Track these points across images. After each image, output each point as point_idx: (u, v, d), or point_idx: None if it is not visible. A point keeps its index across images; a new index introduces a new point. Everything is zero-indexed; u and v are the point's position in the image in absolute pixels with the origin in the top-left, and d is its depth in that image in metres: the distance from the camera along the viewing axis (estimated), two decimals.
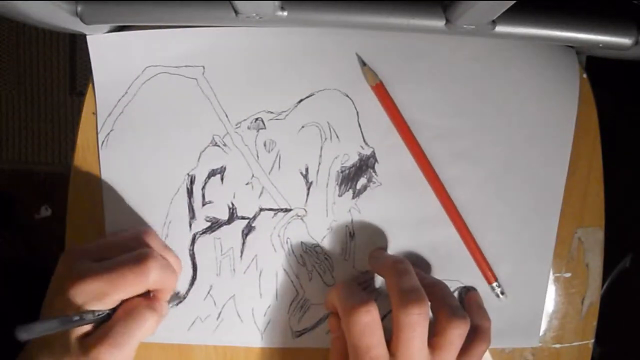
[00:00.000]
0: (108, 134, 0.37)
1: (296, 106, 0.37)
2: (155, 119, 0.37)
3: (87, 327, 0.30)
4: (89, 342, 0.30)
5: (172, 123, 0.37)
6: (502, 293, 0.38)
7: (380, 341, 0.31)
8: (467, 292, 0.38)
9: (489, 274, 0.38)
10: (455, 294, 0.38)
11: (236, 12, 0.31)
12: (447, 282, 0.38)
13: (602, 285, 0.40)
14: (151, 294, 0.34)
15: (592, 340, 0.40)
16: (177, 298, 0.37)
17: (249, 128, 0.37)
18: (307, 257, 0.38)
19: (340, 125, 0.37)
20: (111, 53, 0.37)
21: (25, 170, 1.07)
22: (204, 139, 0.37)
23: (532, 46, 0.38)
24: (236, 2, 0.30)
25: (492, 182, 0.38)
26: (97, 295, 0.30)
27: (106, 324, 0.31)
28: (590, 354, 0.40)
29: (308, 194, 0.37)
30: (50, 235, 1.04)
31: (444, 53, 0.37)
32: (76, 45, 1.05)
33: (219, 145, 0.37)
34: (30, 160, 1.07)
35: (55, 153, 1.07)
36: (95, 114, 0.37)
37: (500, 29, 0.32)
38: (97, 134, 0.37)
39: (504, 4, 0.27)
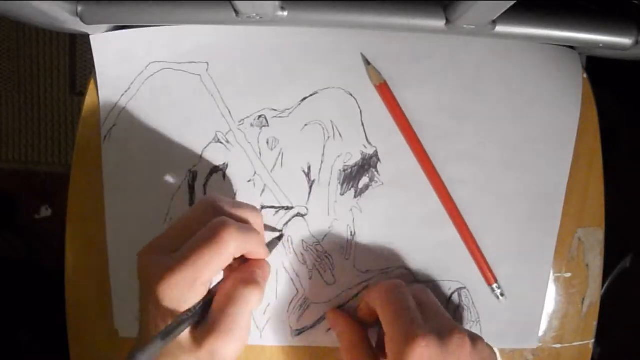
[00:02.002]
0: (110, 129, 0.37)
1: (299, 104, 0.37)
2: (158, 114, 0.37)
3: (190, 324, 0.29)
4: (200, 335, 0.28)
5: (175, 119, 0.37)
6: (502, 294, 0.38)
7: None
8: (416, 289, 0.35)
9: (489, 275, 0.38)
10: (455, 295, 0.38)
11: (236, 12, 0.31)
12: (446, 283, 0.38)
13: (602, 285, 0.40)
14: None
15: (592, 340, 0.40)
16: (277, 241, 0.36)
17: (252, 125, 0.37)
18: (307, 256, 0.38)
19: (344, 124, 0.37)
20: (114, 49, 0.37)
21: (25, 170, 1.07)
22: (206, 135, 0.37)
23: (535, 47, 0.38)
24: (236, 2, 0.30)
25: (493, 183, 0.38)
26: (185, 286, 0.28)
27: (211, 313, 0.29)
28: (590, 354, 0.40)
29: (310, 193, 0.37)
30: (50, 235, 1.04)
31: (448, 54, 0.37)
32: (76, 45, 1.05)
33: (221, 142, 0.37)
34: (30, 160, 1.07)
35: (55, 153, 1.07)
36: (96, 112, 0.37)
37: (500, 29, 0.32)
38: (99, 130, 0.37)
39: (503, 4, 0.27)
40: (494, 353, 0.32)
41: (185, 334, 0.29)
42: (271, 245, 0.36)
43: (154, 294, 0.28)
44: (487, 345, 0.31)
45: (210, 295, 0.30)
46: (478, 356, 0.30)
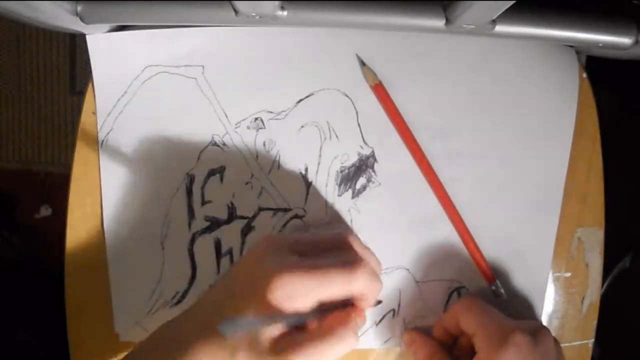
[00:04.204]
0: (108, 133, 0.37)
1: (296, 106, 0.37)
2: (154, 118, 0.37)
3: (281, 328, 0.29)
4: (283, 344, 0.28)
5: (171, 122, 0.37)
6: (502, 293, 0.38)
7: None
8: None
9: (489, 274, 0.38)
10: (455, 294, 0.38)
11: (236, 12, 0.31)
12: (446, 283, 0.38)
13: (602, 285, 0.40)
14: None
15: (592, 340, 0.40)
16: (378, 303, 0.37)
17: (248, 128, 0.37)
18: None
19: (340, 125, 0.37)
20: (111, 52, 0.37)
21: (25, 170, 1.07)
22: (203, 138, 0.37)
23: (532, 46, 0.38)
24: (236, 2, 0.30)
25: (491, 182, 0.38)
26: (299, 292, 0.28)
27: (304, 333, 0.29)
28: (590, 354, 0.40)
29: (307, 194, 0.37)
30: (50, 235, 1.04)
31: (444, 53, 0.37)
32: (76, 45, 1.05)
33: (218, 145, 0.37)
34: (30, 160, 1.07)
35: (55, 153, 1.07)
36: (95, 113, 0.37)
37: (500, 28, 0.32)
38: (97, 133, 0.37)
39: (503, 3, 0.27)
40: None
41: (267, 336, 0.28)
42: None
43: (264, 279, 0.28)
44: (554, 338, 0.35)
45: (312, 316, 0.30)
46: (558, 347, 0.34)
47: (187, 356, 0.28)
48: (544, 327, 0.34)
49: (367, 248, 0.34)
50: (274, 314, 0.27)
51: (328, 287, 0.29)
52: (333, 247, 0.32)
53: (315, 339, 0.29)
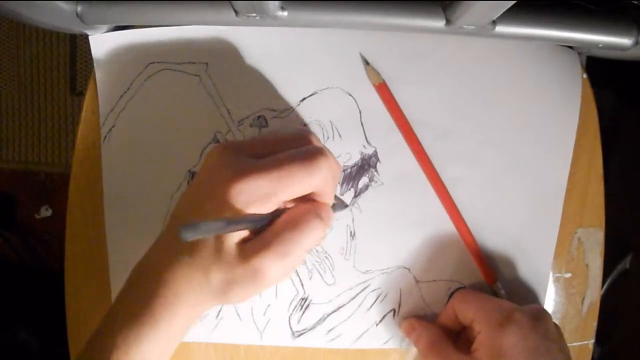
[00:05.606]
0: (110, 129, 0.37)
1: (299, 104, 0.37)
2: (157, 115, 0.37)
3: (244, 233, 0.27)
4: (249, 248, 0.27)
5: (174, 119, 0.37)
6: (503, 294, 0.38)
7: None
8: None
9: (490, 275, 0.38)
10: (455, 295, 0.38)
11: (236, 12, 0.31)
12: (447, 283, 0.38)
13: (602, 285, 0.40)
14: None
15: (592, 340, 0.40)
16: (343, 205, 0.35)
17: (251, 126, 0.37)
18: (307, 256, 0.38)
19: (343, 124, 0.37)
20: (113, 50, 0.37)
21: (25, 170, 1.07)
22: (206, 135, 0.37)
23: (534, 46, 0.38)
24: (236, 2, 0.30)
25: (493, 183, 0.38)
26: (262, 195, 0.26)
27: (269, 231, 0.27)
28: (590, 354, 0.40)
29: None
30: (50, 235, 1.04)
31: (447, 53, 0.37)
32: (76, 45, 1.05)
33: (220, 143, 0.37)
34: (30, 160, 1.07)
35: (55, 153, 1.07)
36: (95, 112, 0.37)
37: (500, 29, 0.32)
38: (97, 133, 0.37)
39: (503, 4, 0.27)
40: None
41: (230, 244, 0.27)
42: (336, 206, 0.33)
43: (222, 188, 0.26)
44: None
45: (274, 215, 0.28)
46: (558, 330, 0.34)
47: (165, 285, 0.27)
48: (544, 309, 0.34)
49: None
50: (234, 216, 0.26)
51: (290, 182, 0.27)
52: (300, 144, 0.29)
53: (283, 234, 0.27)
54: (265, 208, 0.27)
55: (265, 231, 0.28)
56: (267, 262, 0.26)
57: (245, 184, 0.26)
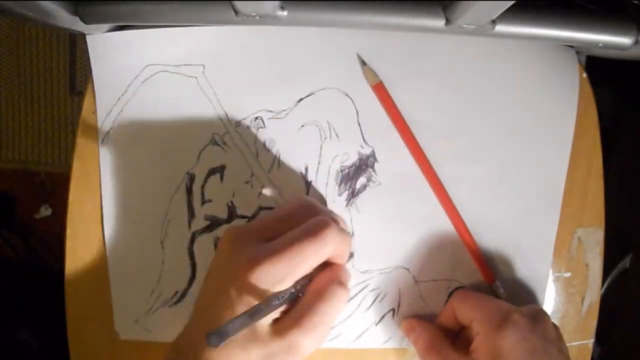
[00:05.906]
0: (108, 132, 0.37)
1: (296, 105, 0.37)
2: (154, 117, 0.37)
3: (271, 315, 0.28)
4: (283, 326, 0.28)
5: (171, 122, 0.37)
6: (502, 293, 0.38)
7: None
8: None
9: (489, 274, 0.38)
10: (454, 295, 0.38)
11: (236, 11, 0.31)
12: (446, 282, 0.38)
13: (602, 285, 0.40)
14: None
15: (592, 340, 0.40)
16: (351, 257, 0.37)
17: (248, 127, 0.37)
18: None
19: (340, 124, 0.37)
20: (111, 52, 0.37)
21: (25, 170, 1.07)
22: (203, 137, 0.37)
23: (532, 46, 0.38)
24: (236, 2, 0.30)
25: (491, 182, 0.38)
26: (280, 278, 0.28)
27: (298, 306, 0.29)
28: (590, 354, 0.40)
29: (307, 193, 0.37)
30: (50, 235, 1.04)
31: (444, 53, 0.37)
32: (76, 45, 1.05)
33: (218, 144, 0.37)
34: (30, 160, 1.07)
35: (55, 153, 1.07)
36: (94, 113, 0.37)
37: (500, 28, 0.32)
38: (97, 133, 0.37)
39: (503, 4, 0.27)
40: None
41: (264, 324, 0.28)
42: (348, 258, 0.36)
43: (240, 278, 0.28)
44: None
45: (297, 289, 0.29)
46: (557, 331, 0.34)
47: None
48: (543, 310, 0.34)
49: (326, 207, 0.34)
50: (256, 305, 0.27)
51: (303, 261, 0.28)
52: (303, 215, 0.31)
53: (311, 307, 0.29)
54: (284, 286, 0.29)
55: (295, 307, 0.29)
56: (301, 337, 0.28)
57: (262, 269, 0.28)
